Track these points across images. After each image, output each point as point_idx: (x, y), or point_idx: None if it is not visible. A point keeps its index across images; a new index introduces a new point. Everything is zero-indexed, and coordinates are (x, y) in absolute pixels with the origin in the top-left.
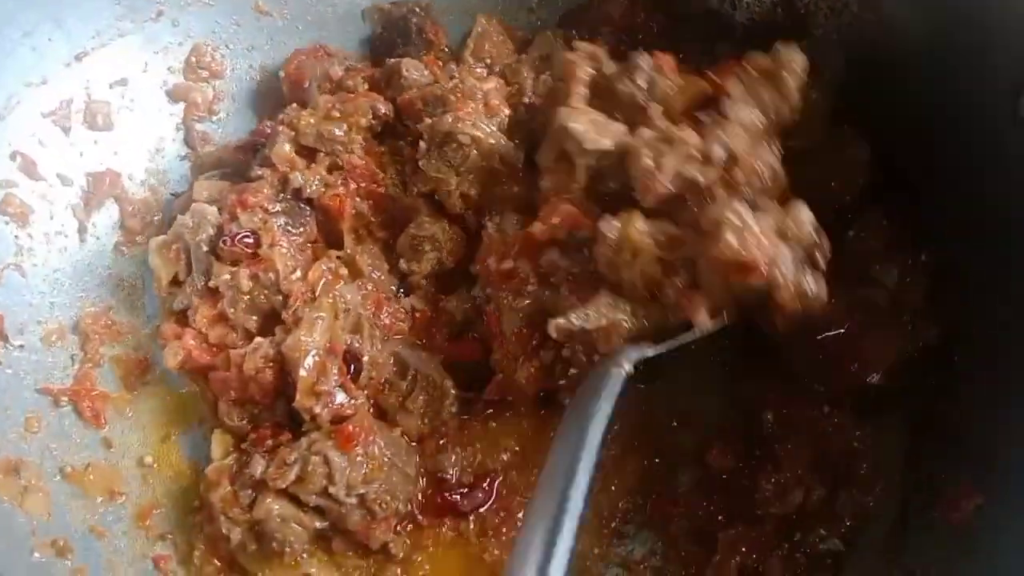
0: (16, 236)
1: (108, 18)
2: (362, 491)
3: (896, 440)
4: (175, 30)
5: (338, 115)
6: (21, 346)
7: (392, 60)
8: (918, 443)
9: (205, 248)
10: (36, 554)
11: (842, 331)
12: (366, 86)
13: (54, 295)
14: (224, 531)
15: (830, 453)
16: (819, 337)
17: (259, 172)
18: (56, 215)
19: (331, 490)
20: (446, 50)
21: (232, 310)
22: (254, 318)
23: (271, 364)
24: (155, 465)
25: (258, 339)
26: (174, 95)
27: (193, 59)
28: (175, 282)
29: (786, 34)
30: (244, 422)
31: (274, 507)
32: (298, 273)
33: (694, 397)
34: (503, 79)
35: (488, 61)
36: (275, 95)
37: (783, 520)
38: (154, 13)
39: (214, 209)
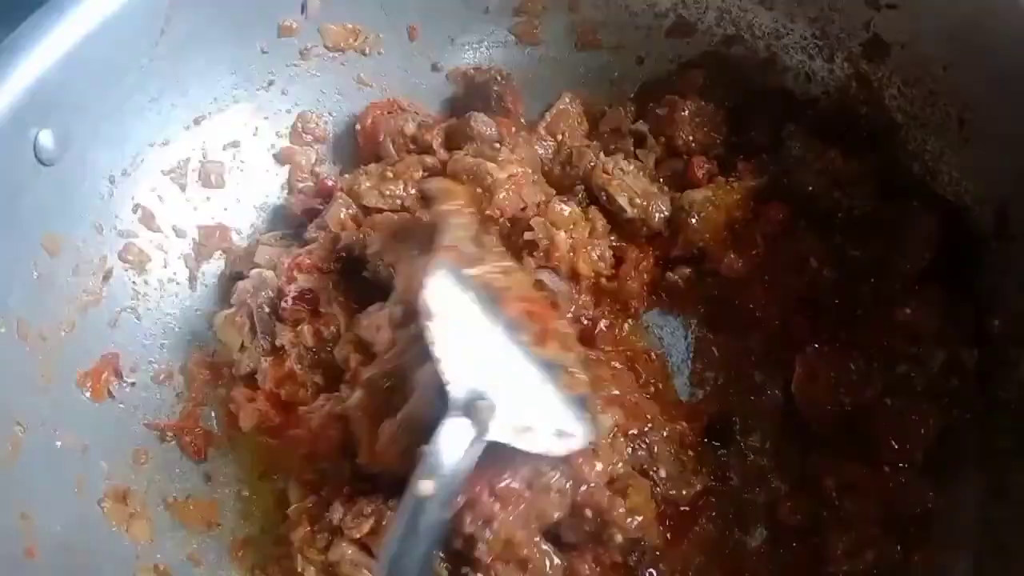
0: (134, 282)
1: (225, 86)
2: None
3: (971, 503)
4: (284, 98)
5: (391, 175)
6: (133, 383)
7: (467, 114)
8: (993, 508)
9: (267, 310)
10: None
11: (875, 410)
12: (440, 139)
13: (164, 337)
14: (299, 569)
15: (902, 514)
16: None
17: (313, 235)
18: (169, 264)
19: None
20: (522, 120)
21: (299, 367)
22: (320, 373)
23: (336, 422)
24: (252, 498)
25: (323, 397)
26: (281, 158)
27: (299, 125)
28: (242, 349)
29: (858, 107)
30: (315, 477)
31: (347, 552)
32: None
33: (766, 458)
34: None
35: (560, 137)
36: None
37: None
38: (266, 83)
39: (271, 273)
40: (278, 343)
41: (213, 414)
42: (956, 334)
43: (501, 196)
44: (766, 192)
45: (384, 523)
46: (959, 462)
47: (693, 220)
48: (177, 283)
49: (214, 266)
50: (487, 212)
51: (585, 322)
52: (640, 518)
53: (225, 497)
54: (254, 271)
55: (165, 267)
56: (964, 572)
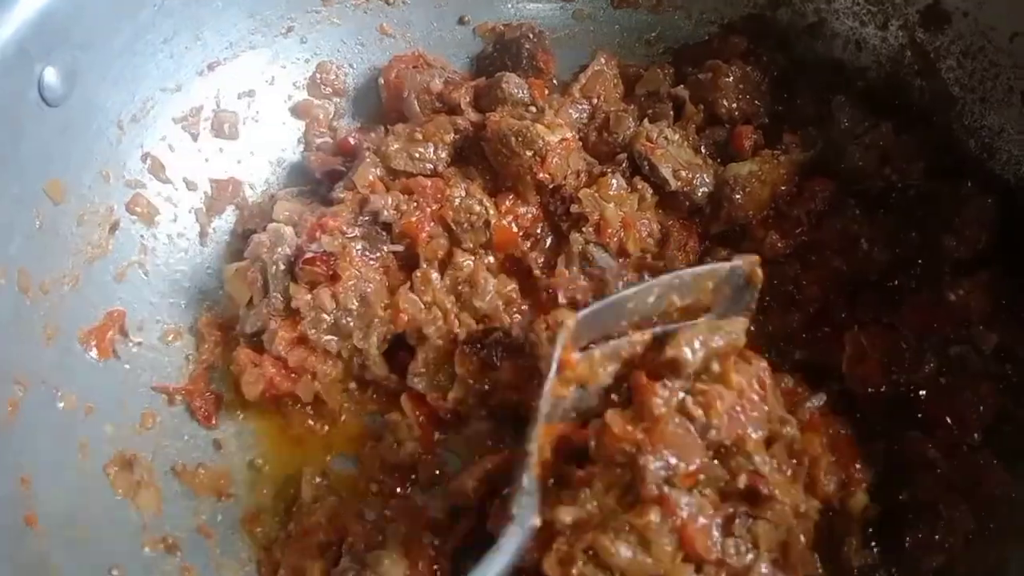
0: (141, 236)
1: (242, 31)
2: None
3: None
4: (303, 47)
5: (420, 136)
6: (139, 343)
7: (498, 74)
8: None
9: (283, 267)
10: (146, 549)
11: (929, 393)
12: (468, 98)
13: (173, 295)
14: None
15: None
16: (911, 397)
17: (340, 195)
18: (180, 218)
19: None
20: (555, 82)
21: (313, 331)
22: (335, 339)
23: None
24: (266, 468)
25: None
26: (297, 110)
27: (318, 76)
28: (250, 305)
29: (911, 79)
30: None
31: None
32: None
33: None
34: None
35: (595, 101)
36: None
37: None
38: (284, 29)
39: (290, 229)
40: (293, 304)
41: (225, 377)
42: (1009, 319)
43: (554, 162)
44: (811, 167)
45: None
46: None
47: (737, 196)
48: (187, 238)
49: (226, 222)
50: (540, 177)
51: None
52: None
53: (237, 466)
54: (272, 225)
55: (175, 221)
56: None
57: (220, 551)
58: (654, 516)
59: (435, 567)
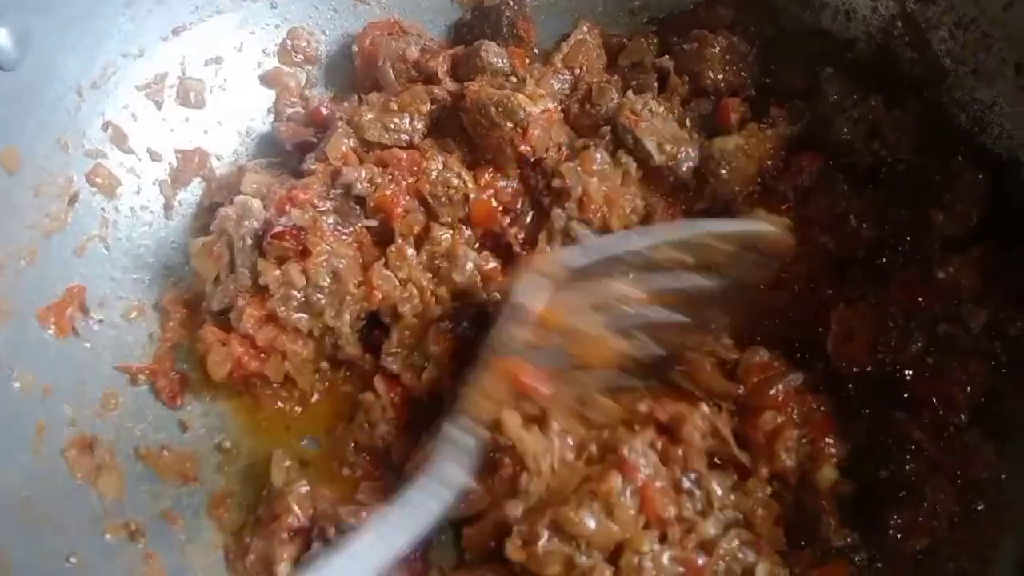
0: (103, 208)
1: None
2: None
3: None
4: (273, 12)
5: (395, 106)
6: (101, 320)
7: (476, 42)
8: None
9: (250, 242)
10: (107, 535)
11: (916, 373)
12: (445, 67)
13: (136, 271)
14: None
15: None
16: (897, 376)
17: (311, 167)
18: (143, 190)
19: None
20: (536, 51)
21: (283, 308)
22: (305, 317)
23: None
24: (234, 450)
25: None
26: (267, 79)
27: (289, 43)
28: (217, 281)
29: (901, 51)
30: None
31: None
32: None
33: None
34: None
35: (577, 71)
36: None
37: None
38: None
39: (258, 202)
40: (261, 281)
41: (191, 355)
42: (999, 297)
43: (535, 134)
44: (799, 141)
45: None
46: (1011, 433)
47: (723, 171)
48: (151, 211)
49: (191, 194)
50: (521, 149)
51: None
52: None
53: (203, 448)
54: (239, 198)
55: (138, 193)
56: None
57: (186, 537)
58: (616, 481)
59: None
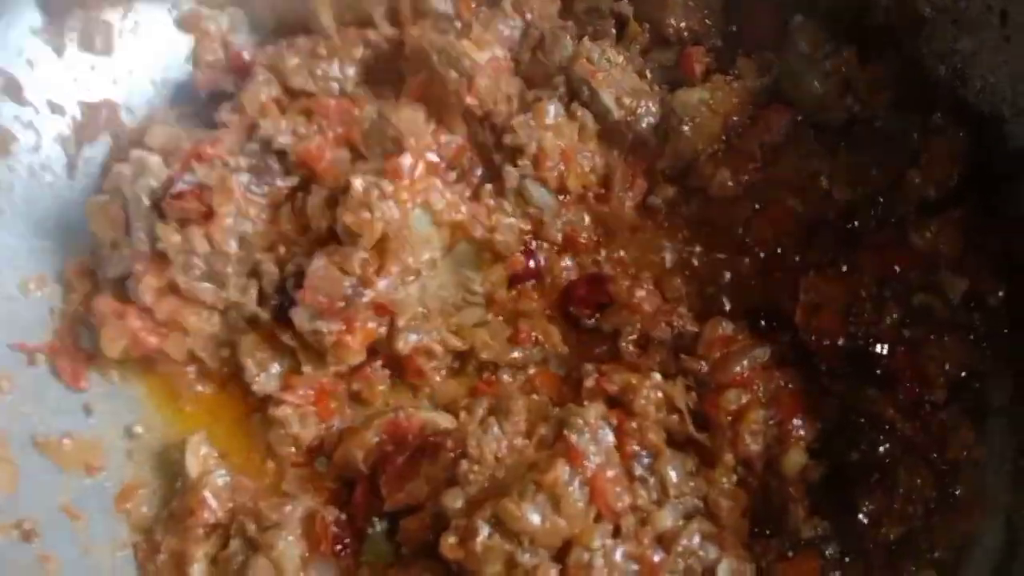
0: None
1: None
2: None
3: (1005, 460)
4: None
5: (324, 52)
6: None
7: None
8: None
9: (147, 202)
10: None
11: (891, 347)
12: (382, 9)
13: (35, 237)
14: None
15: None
16: (870, 351)
17: (225, 118)
18: (43, 147)
19: None
20: None
21: (184, 277)
22: (210, 287)
23: None
24: (144, 436)
25: None
26: (184, 23)
27: None
28: (115, 247)
29: None
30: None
31: None
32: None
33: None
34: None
35: (529, 16)
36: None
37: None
38: None
39: (157, 158)
40: (160, 247)
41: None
42: (979, 264)
43: (483, 85)
44: (768, 96)
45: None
46: (991, 411)
47: (686, 128)
48: (52, 171)
49: (99, 151)
50: (467, 102)
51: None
52: None
53: (110, 434)
54: (134, 152)
55: (37, 151)
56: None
57: (89, 534)
58: (562, 470)
59: (338, 547)
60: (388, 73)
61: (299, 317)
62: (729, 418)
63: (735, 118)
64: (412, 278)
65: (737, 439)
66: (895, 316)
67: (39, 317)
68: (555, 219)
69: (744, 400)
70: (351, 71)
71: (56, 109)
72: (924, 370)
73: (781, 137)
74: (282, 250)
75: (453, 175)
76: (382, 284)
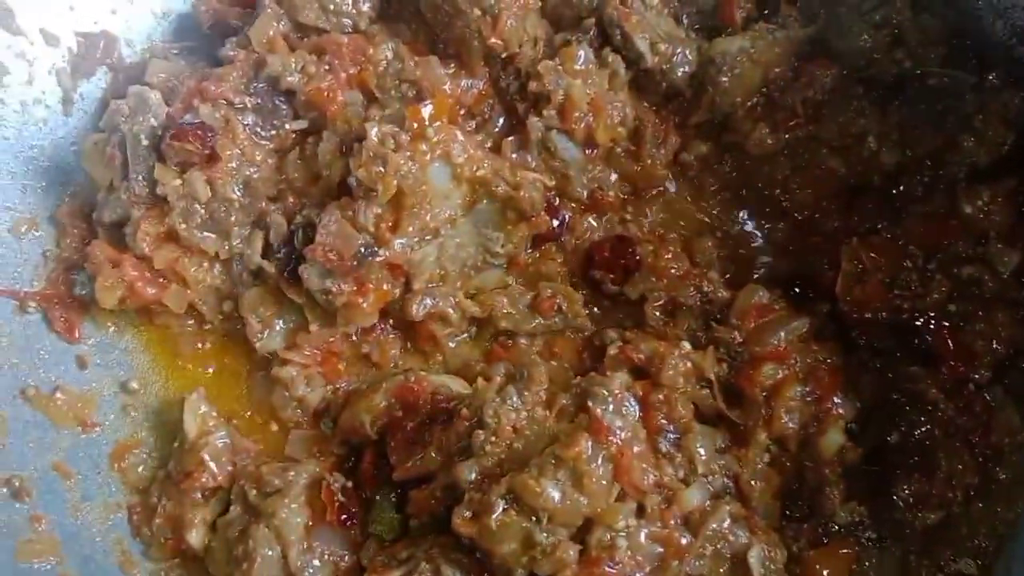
0: None
1: None
2: None
3: None
4: None
5: None
6: None
7: None
8: None
9: (146, 143)
10: None
11: (937, 321)
12: None
13: (28, 177)
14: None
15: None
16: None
17: (231, 54)
18: (36, 79)
19: None
20: None
21: (184, 225)
22: (212, 236)
23: None
24: (141, 392)
25: None
26: None
27: None
28: (111, 190)
29: None
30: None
31: None
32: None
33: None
34: None
35: None
36: None
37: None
38: None
39: (157, 94)
40: (159, 191)
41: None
42: None
43: (508, 24)
44: (811, 48)
45: None
46: None
47: (724, 79)
48: (46, 106)
49: (96, 87)
50: (490, 42)
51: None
52: None
53: (105, 389)
54: (133, 88)
55: (30, 84)
56: None
57: (81, 495)
58: (585, 445)
59: (344, 516)
60: (406, 8)
61: (308, 274)
62: (764, 394)
63: (776, 71)
64: (430, 237)
65: (772, 416)
66: (943, 289)
67: (32, 261)
68: (581, 175)
69: (781, 375)
70: (365, 6)
71: (51, 40)
72: (970, 347)
73: (825, 93)
74: (290, 200)
75: (472, 124)
76: (398, 243)
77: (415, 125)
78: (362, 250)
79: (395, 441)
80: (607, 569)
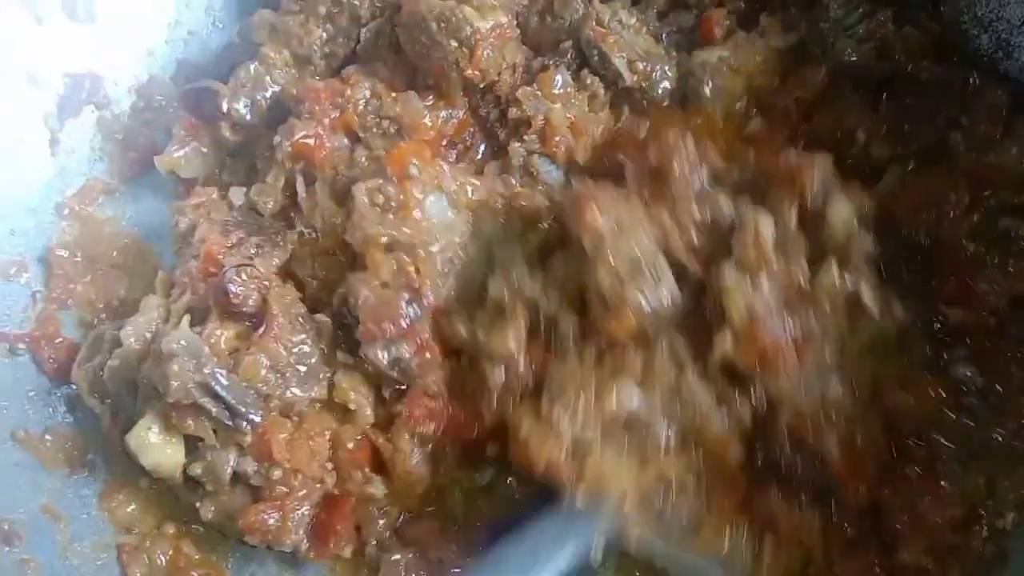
0: None
1: None
2: None
3: None
4: None
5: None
6: None
7: None
8: None
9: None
10: None
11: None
12: None
13: (16, 219)
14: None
15: None
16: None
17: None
18: (23, 121)
19: None
20: None
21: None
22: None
23: None
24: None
25: None
26: None
27: None
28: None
29: None
30: None
31: None
32: None
33: None
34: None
35: None
36: None
37: None
38: None
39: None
40: None
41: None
42: None
43: (485, 55)
44: (796, 58)
45: None
46: None
47: (706, 88)
48: (33, 147)
49: (82, 128)
50: (467, 73)
51: None
52: None
53: (96, 430)
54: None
55: (15, 124)
56: None
57: (71, 537)
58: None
59: None
60: (381, 44)
61: (370, 353)
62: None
63: (761, 79)
64: (447, 269)
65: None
66: (977, 219)
67: (20, 304)
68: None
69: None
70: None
71: (36, 82)
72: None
73: (816, 93)
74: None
75: (454, 153)
76: (429, 290)
77: (398, 171)
78: (405, 307)
79: None
80: None
